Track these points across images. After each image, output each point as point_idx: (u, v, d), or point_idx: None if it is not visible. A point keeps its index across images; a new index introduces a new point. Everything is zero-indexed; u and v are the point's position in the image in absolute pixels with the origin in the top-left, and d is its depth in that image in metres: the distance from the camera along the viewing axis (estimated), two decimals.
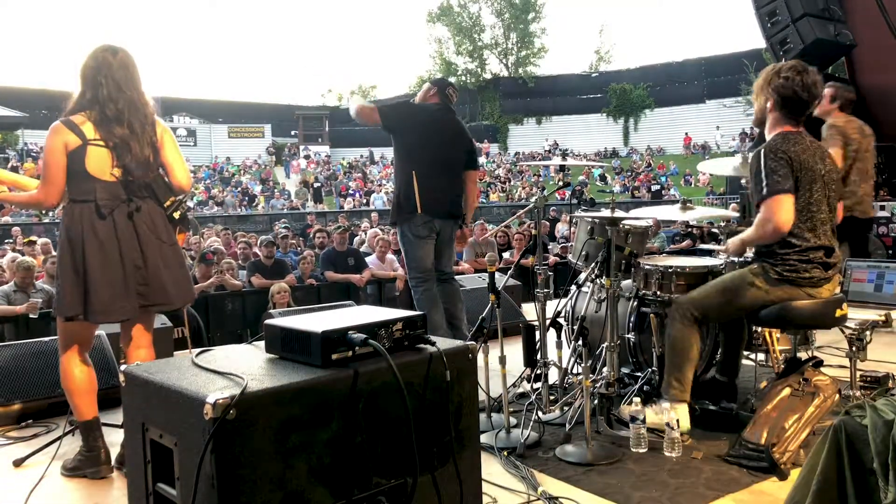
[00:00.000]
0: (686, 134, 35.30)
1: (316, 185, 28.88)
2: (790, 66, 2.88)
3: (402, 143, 4.23)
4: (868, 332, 3.27)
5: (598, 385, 3.12)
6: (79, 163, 2.71)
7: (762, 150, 2.79)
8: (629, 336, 3.44)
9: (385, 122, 4.18)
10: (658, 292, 3.28)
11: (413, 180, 4.09)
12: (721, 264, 3.35)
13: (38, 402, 3.61)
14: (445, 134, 4.26)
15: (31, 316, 6.03)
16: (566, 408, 3.25)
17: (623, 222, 3.38)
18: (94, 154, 2.72)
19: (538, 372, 3.26)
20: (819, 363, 2.93)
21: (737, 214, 4.41)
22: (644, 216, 3.63)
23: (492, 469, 2.69)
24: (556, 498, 2.46)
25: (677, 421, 2.81)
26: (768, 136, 2.90)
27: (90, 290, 2.70)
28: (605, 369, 3.18)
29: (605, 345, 3.16)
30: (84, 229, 2.71)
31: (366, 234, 11.35)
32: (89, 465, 2.84)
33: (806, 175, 2.78)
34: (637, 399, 2.92)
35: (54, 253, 7.48)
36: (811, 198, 2.81)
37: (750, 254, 3.21)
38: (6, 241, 13.07)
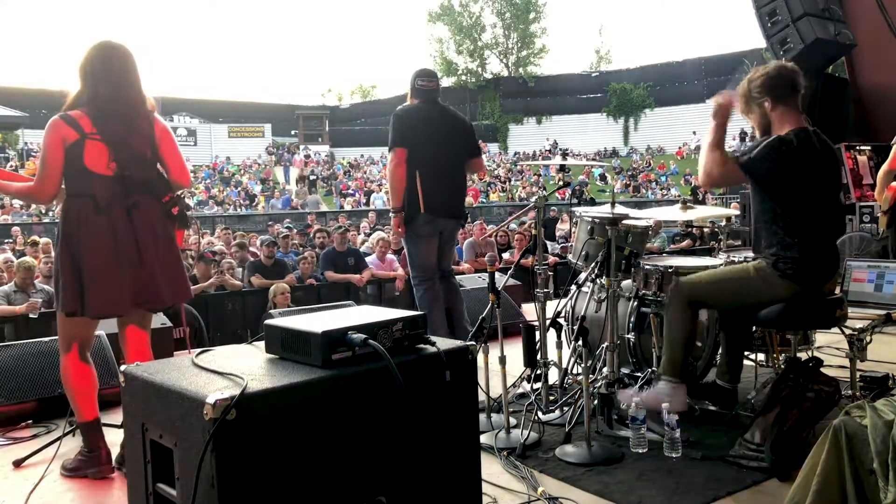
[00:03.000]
0: (682, 145, 35.35)
1: (311, 177, 28.89)
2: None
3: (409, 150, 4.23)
4: (868, 332, 3.26)
5: (598, 385, 3.12)
6: (77, 158, 2.71)
7: (777, 137, 2.80)
8: (629, 336, 3.43)
9: (403, 146, 4.15)
10: (658, 292, 3.28)
11: (416, 181, 4.11)
12: (721, 264, 3.35)
13: (38, 402, 3.61)
14: (441, 132, 4.25)
15: (31, 316, 6.03)
16: (566, 408, 3.25)
17: (623, 222, 3.38)
18: (92, 149, 2.71)
19: (538, 372, 3.26)
20: (819, 363, 2.93)
21: (738, 212, 4.42)
22: (645, 216, 3.63)
23: (492, 469, 2.69)
24: (556, 498, 2.46)
25: (677, 421, 2.80)
26: (780, 133, 2.89)
27: (86, 285, 2.70)
28: (605, 369, 3.18)
29: (605, 345, 3.16)
30: (81, 224, 2.71)
31: (368, 235, 11.31)
32: (90, 466, 2.84)
33: (811, 174, 2.79)
34: (637, 399, 2.92)
35: (52, 253, 7.48)
36: (815, 196, 2.81)
37: (750, 254, 3.22)
38: (6, 240, 13.07)
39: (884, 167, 5.19)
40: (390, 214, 4.31)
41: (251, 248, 9.70)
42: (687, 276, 3.07)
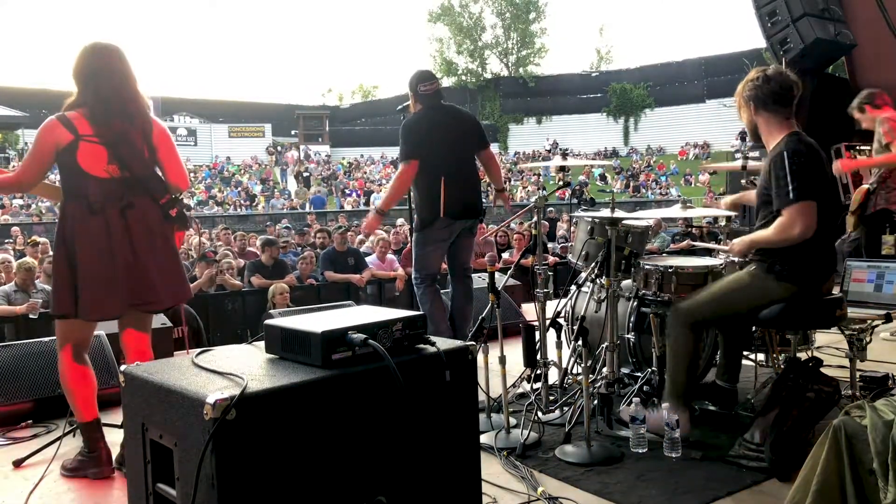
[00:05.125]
0: (682, 147, 35.42)
1: (305, 174, 28.95)
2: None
3: (422, 159, 4.23)
4: (868, 332, 3.26)
5: (597, 385, 3.12)
6: (71, 159, 2.70)
7: (786, 153, 2.76)
8: (629, 336, 3.43)
9: (416, 158, 4.17)
10: (658, 292, 3.27)
11: (440, 187, 4.12)
12: (721, 264, 3.35)
13: (37, 402, 3.60)
14: (452, 134, 4.26)
15: (31, 316, 6.04)
16: (566, 408, 3.25)
17: (623, 222, 3.38)
18: (86, 151, 2.71)
19: (538, 372, 3.25)
20: (819, 363, 2.93)
21: (737, 212, 4.42)
22: (646, 216, 3.63)
23: (492, 469, 2.69)
24: (556, 498, 2.46)
25: (677, 421, 2.80)
26: (772, 141, 2.89)
27: (80, 287, 2.70)
28: (604, 369, 3.18)
29: (605, 345, 3.16)
30: (76, 226, 2.72)
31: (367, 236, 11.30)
32: (90, 466, 2.84)
33: (821, 176, 2.80)
34: (637, 399, 2.92)
35: (51, 253, 7.48)
36: (822, 197, 2.81)
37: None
38: (6, 240, 13.08)
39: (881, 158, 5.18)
40: (374, 210, 4.41)
41: (251, 248, 9.72)
42: (684, 300, 3.05)
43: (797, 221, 2.71)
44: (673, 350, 2.99)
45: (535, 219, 3.32)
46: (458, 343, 2.03)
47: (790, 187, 2.72)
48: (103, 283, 2.71)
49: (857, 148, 7.99)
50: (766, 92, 2.85)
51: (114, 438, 2.92)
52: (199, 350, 2.03)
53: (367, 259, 8.41)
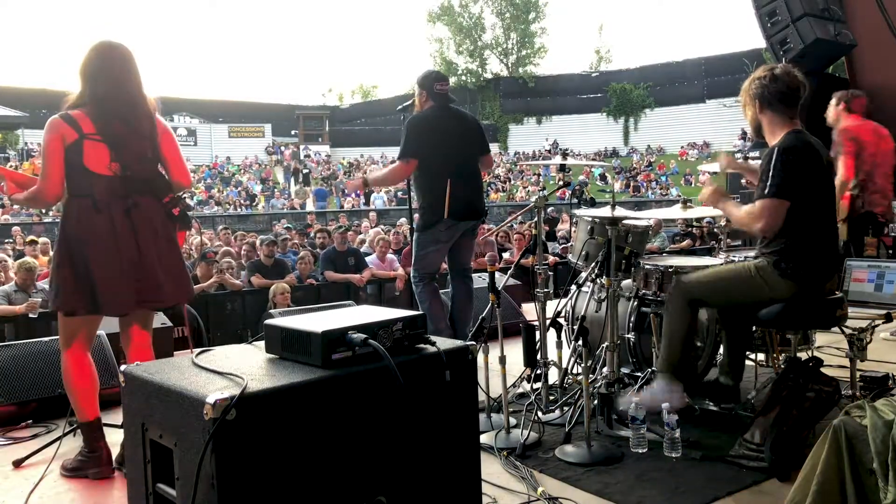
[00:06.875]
0: (682, 147, 35.47)
1: (304, 171, 29.02)
2: (761, 69, 2.94)
3: (425, 160, 4.23)
4: (868, 333, 3.26)
5: (598, 385, 3.12)
6: (76, 157, 2.71)
7: (777, 149, 2.78)
8: (629, 336, 3.43)
9: (416, 158, 4.16)
10: (658, 292, 3.27)
11: (447, 189, 4.10)
12: (721, 264, 3.34)
13: (38, 402, 3.60)
14: (459, 136, 4.25)
15: (31, 316, 6.03)
16: (566, 408, 3.25)
17: (623, 222, 3.38)
18: (91, 149, 2.71)
19: (538, 372, 3.26)
20: (819, 363, 2.93)
21: None
22: (646, 216, 3.63)
23: (492, 469, 2.69)
24: (556, 498, 2.46)
25: (677, 421, 2.80)
26: (772, 138, 2.89)
27: (88, 283, 2.70)
28: (604, 369, 3.18)
29: (605, 345, 3.16)
30: (81, 224, 2.72)
31: (367, 233, 11.33)
32: (90, 466, 2.84)
33: (817, 175, 2.80)
34: (637, 399, 2.92)
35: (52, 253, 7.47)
36: (819, 196, 2.81)
37: (750, 253, 3.22)
38: (6, 240, 13.08)
39: (839, 178, 5.24)
40: (363, 176, 4.43)
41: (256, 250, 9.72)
42: (687, 275, 3.07)
43: (762, 216, 2.75)
44: (669, 323, 2.99)
45: (535, 219, 3.32)
46: (458, 343, 2.03)
47: (770, 182, 2.74)
48: (110, 280, 2.72)
49: None
50: (772, 91, 2.85)
51: (114, 438, 2.92)
52: (199, 350, 2.03)
53: (367, 259, 8.41)
